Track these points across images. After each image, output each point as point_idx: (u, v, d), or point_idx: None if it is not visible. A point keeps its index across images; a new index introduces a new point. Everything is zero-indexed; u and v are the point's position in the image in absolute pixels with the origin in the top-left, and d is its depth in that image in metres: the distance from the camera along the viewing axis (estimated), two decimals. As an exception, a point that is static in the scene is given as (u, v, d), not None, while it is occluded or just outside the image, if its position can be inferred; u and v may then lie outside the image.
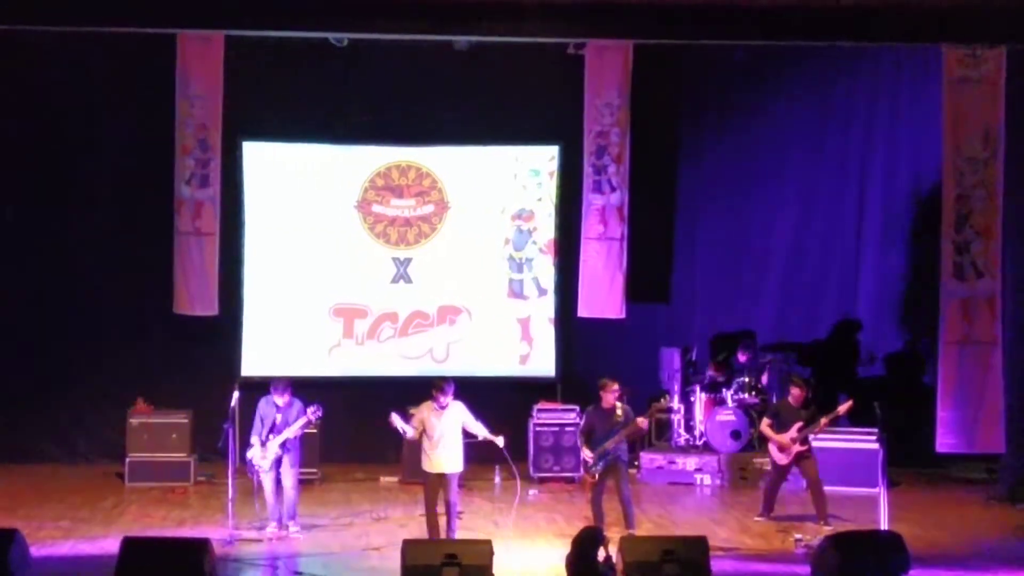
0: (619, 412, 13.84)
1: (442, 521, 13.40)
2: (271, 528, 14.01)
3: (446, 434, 13.23)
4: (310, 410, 14.01)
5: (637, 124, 16.91)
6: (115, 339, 18.22)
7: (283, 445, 14.02)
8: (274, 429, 14.00)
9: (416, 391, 14.61)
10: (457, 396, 13.43)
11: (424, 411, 13.33)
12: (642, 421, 13.93)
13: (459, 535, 13.32)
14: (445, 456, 13.24)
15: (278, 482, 14.12)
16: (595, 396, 14.02)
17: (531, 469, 17.39)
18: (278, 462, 14.06)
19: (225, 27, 15.95)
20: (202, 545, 11.55)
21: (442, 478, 13.27)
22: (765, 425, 15.12)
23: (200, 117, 16.42)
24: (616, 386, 13.93)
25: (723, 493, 16.91)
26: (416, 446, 13.70)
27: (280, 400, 14.07)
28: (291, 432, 14.03)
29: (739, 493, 16.71)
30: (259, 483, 14.10)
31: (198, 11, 15.48)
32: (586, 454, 13.85)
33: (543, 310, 18.80)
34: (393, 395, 17.46)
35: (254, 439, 14.05)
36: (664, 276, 19.29)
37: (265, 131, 18.50)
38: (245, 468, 14.19)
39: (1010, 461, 16.21)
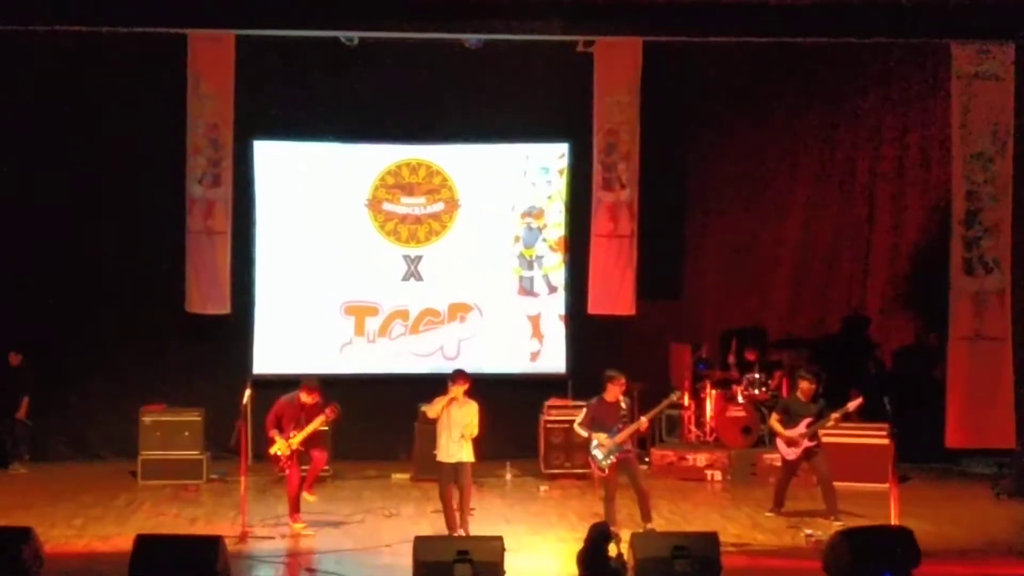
0: (623, 407, 13.81)
1: (458, 516, 13.47)
2: (300, 524, 14.06)
3: (456, 426, 13.35)
4: (327, 409, 14.06)
5: (647, 121, 16.99)
6: (127, 337, 18.25)
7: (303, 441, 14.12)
8: (297, 427, 14.04)
9: (427, 388, 14.65)
10: (471, 393, 13.52)
11: (442, 400, 13.46)
12: (643, 422, 13.92)
13: (470, 531, 13.33)
14: (455, 447, 13.36)
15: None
16: (603, 389, 13.93)
17: (542, 466, 17.42)
18: (300, 457, 14.14)
19: (236, 27, 16.05)
20: (215, 542, 11.59)
21: (453, 468, 13.37)
22: (775, 420, 15.12)
23: (211, 116, 16.56)
24: (623, 380, 13.87)
25: (734, 489, 16.90)
26: (428, 443, 13.79)
27: (309, 400, 14.12)
28: (311, 429, 14.09)
29: (750, 489, 16.72)
30: (285, 476, 14.17)
31: (209, 11, 15.57)
32: (593, 448, 13.77)
33: (553, 307, 18.84)
34: (404, 392, 17.58)
35: (275, 434, 14.05)
36: (674, 273, 19.30)
37: (276, 130, 18.53)
38: (271, 464, 14.21)
39: (1020, 456, 16.19)
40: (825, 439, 15.07)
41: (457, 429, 13.37)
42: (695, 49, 17.57)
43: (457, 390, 13.40)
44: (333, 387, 14.49)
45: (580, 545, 11.29)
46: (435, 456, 13.56)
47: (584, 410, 13.95)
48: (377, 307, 18.68)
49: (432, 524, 13.98)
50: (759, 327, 19.08)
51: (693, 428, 18.25)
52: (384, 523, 14.65)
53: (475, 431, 13.46)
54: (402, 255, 18.72)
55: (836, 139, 19.12)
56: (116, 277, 18.22)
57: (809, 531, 13.75)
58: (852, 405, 14.61)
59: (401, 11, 15.74)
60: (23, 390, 17.86)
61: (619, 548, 11.23)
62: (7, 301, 17.96)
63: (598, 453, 13.65)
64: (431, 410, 13.55)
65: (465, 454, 13.42)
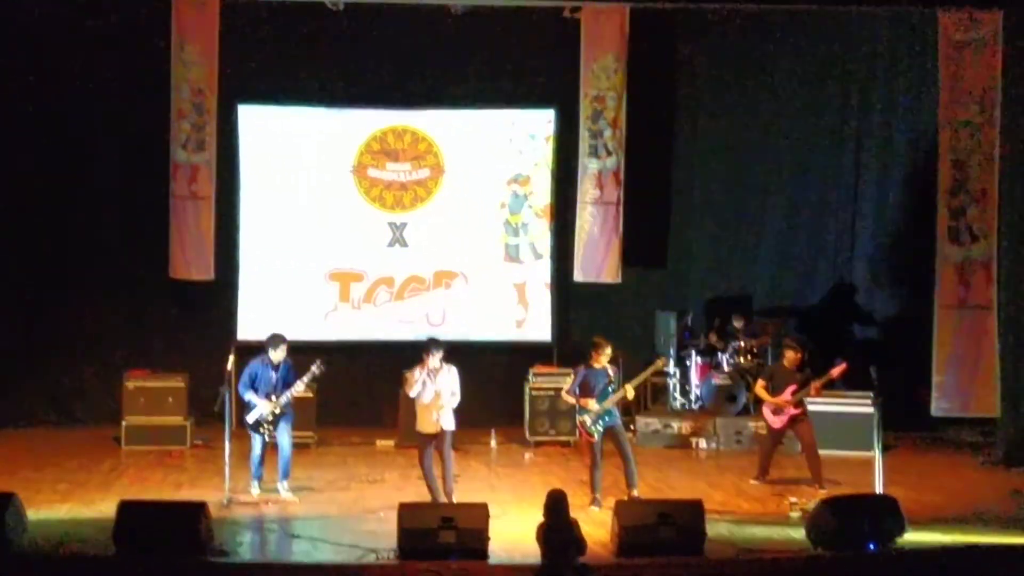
0: (610, 374, 13.80)
1: (441, 483, 13.45)
2: (256, 490, 14.01)
3: (436, 395, 13.29)
4: (315, 365, 13.93)
5: (633, 88, 16.93)
6: (112, 303, 18.19)
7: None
8: (275, 391, 13.94)
9: (412, 355, 14.59)
10: (449, 359, 13.47)
11: (416, 373, 13.39)
12: (629, 389, 13.88)
13: (455, 498, 13.31)
14: (435, 415, 13.30)
15: (273, 445, 14.11)
16: (589, 356, 13.90)
17: (527, 433, 17.41)
18: (275, 423, 14.06)
19: (221, -10, 15.96)
20: (198, 508, 11.63)
21: (432, 438, 13.35)
22: (760, 387, 15.14)
23: (196, 81, 16.46)
24: (609, 348, 13.86)
25: (718, 457, 16.92)
26: (412, 410, 13.72)
27: (277, 357, 14.00)
28: (298, 389, 13.99)
29: (734, 457, 16.73)
30: (254, 444, 14.05)
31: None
32: (581, 413, 13.76)
33: (539, 274, 18.79)
34: (389, 359, 17.59)
35: (253, 398, 13.93)
36: (660, 240, 19.26)
37: (261, 95, 18.42)
38: (247, 429, 14.09)
39: (1005, 424, 16.23)
40: (810, 407, 15.07)
41: (438, 398, 13.30)
42: (682, 15, 17.51)
43: (433, 360, 13.33)
44: (317, 353, 14.42)
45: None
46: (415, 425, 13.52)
47: (572, 376, 13.98)
48: (362, 273, 18.63)
49: (417, 491, 13.96)
50: (745, 295, 19.07)
51: (678, 396, 18.24)
52: (369, 489, 14.66)
53: (458, 397, 13.43)
54: (387, 221, 18.65)
55: (823, 105, 19.07)
56: (100, 242, 18.15)
57: (794, 499, 13.77)
58: (836, 371, 14.63)
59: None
60: None
61: (579, 532, 11.10)
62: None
63: (587, 419, 13.66)
64: (411, 389, 13.44)
65: (446, 422, 13.38)
